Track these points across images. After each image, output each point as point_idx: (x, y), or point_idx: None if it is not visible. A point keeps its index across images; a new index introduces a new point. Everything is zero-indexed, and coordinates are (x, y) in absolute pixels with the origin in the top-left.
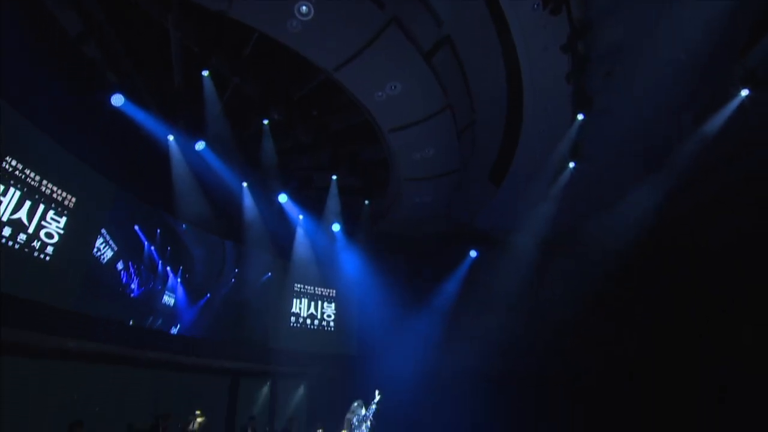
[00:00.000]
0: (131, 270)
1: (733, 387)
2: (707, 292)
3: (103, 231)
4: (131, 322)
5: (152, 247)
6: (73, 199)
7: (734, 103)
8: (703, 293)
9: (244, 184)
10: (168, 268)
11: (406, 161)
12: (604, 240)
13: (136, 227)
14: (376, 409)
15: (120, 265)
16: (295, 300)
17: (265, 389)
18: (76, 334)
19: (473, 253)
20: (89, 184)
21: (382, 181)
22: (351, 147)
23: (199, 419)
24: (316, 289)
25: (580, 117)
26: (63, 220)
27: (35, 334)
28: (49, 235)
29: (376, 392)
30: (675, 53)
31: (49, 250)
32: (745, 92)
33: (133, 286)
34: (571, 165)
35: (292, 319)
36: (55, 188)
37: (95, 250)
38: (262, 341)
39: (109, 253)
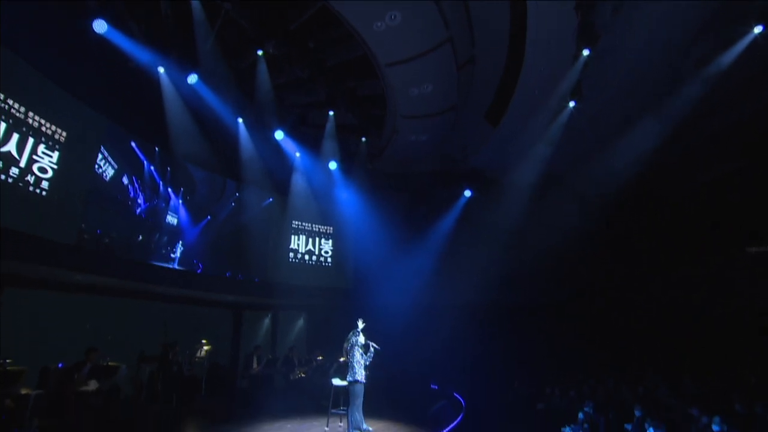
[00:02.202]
0: (136, 185)
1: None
2: (693, 230)
3: (102, 149)
4: (140, 238)
5: (152, 167)
6: (64, 134)
7: (745, 41)
8: (689, 231)
9: (240, 120)
10: (169, 189)
11: (404, 97)
12: (597, 180)
13: (133, 144)
14: (373, 351)
15: (125, 180)
16: (293, 236)
17: (267, 321)
18: (80, 268)
19: (467, 193)
20: (80, 117)
21: (379, 118)
22: (348, 83)
23: (205, 347)
24: (313, 225)
25: (585, 53)
26: (55, 154)
27: (41, 267)
28: (43, 170)
29: (359, 321)
30: None
31: (45, 185)
32: (758, 29)
33: (139, 201)
34: (571, 104)
35: (291, 255)
36: (42, 121)
37: (96, 167)
38: (262, 273)
39: (110, 171)
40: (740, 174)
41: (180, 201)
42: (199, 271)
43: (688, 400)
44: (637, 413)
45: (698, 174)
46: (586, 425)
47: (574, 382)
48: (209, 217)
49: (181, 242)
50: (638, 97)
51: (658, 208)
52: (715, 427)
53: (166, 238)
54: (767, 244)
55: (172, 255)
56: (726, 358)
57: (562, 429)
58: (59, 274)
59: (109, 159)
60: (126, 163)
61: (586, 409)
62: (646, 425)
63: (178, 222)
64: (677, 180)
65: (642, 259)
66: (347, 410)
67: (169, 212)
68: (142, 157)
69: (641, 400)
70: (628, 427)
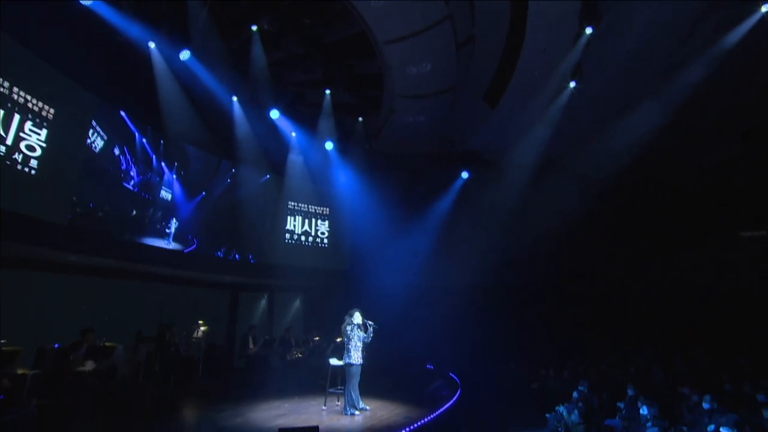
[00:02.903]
0: (128, 156)
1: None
2: (693, 213)
3: (93, 122)
4: (134, 213)
5: (144, 139)
6: (52, 111)
7: (752, 20)
8: (688, 214)
9: (234, 98)
10: (163, 164)
11: (402, 76)
12: (597, 162)
13: (123, 113)
14: (372, 329)
15: (117, 150)
16: (289, 217)
17: (263, 302)
18: (73, 249)
19: (465, 174)
20: (68, 94)
21: (376, 98)
22: (345, 61)
23: (202, 328)
24: (309, 207)
25: (588, 31)
26: (43, 132)
27: (32, 247)
28: (31, 148)
29: (356, 311)
30: None
31: (33, 163)
32: (765, 7)
33: (132, 173)
34: (572, 84)
35: (287, 236)
36: (29, 97)
37: (87, 140)
38: (258, 252)
39: (100, 142)
40: (742, 158)
41: (174, 176)
42: (194, 247)
43: (679, 380)
44: (630, 392)
45: (700, 157)
46: (580, 404)
47: (570, 364)
48: (204, 193)
49: (175, 218)
50: (640, 78)
51: (658, 191)
52: (705, 405)
53: (160, 213)
54: (765, 228)
55: (167, 230)
56: (719, 339)
57: (557, 408)
58: (52, 255)
59: (98, 130)
60: (116, 134)
61: (580, 388)
62: (639, 403)
63: (172, 197)
64: (678, 163)
65: (641, 243)
66: (344, 389)
67: (163, 187)
68: (133, 128)
69: (634, 380)
70: (621, 405)
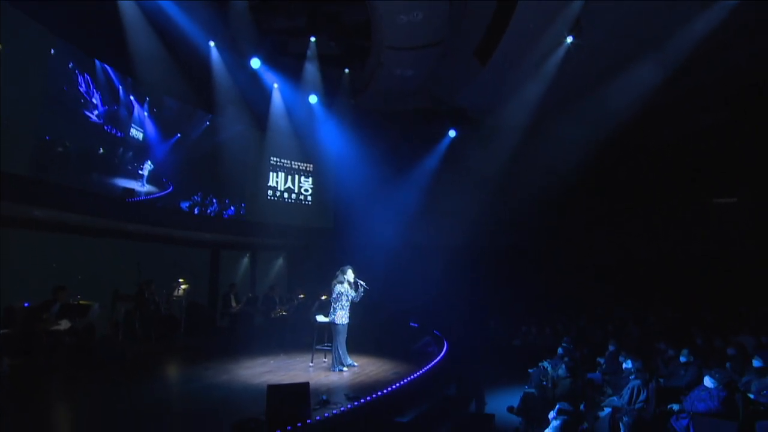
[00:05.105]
0: (88, 79)
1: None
2: (671, 178)
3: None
4: (101, 151)
5: (105, 65)
6: None
7: None
8: (667, 178)
9: (212, 44)
10: (132, 97)
11: (391, 25)
12: (583, 126)
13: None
14: (363, 289)
15: (71, 65)
16: (271, 174)
17: (246, 260)
18: (35, 203)
19: (452, 133)
20: (21, 30)
21: (364, 49)
22: (331, 7)
23: (183, 286)
24: (293, 163)
25: None
26: None
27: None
28: None
29: (348, 268)
30: None
31: None
32: None
33: (95, 101)
34: (569, 40)
35: (269, 192)
36: None
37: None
38: (238, 203)
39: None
40: (725, 125)
41: (146, 113)
42: (169, 190)
43: (653, 335)
44: (611, 348)
45: (683, 123)
46: (566, 358)
47: (549, 322)
48: (179, 135)
49: (150, 160)
50: (639, 32)
51: (640, 156)
52: (682, 359)
53: (131, 153)
54: (735, 195)
55: (140, 172)
56: (688, 299)
57: (540, 364)
58: (13, 209)
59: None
60: (69, 53)
61: (564, 344)
62: (621, 358)
63: (144, 137)
64: (660, 127)
65: (620, 206)
66: (331, 346)
67: (133, 125)
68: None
69: (614, 336)
70: (601, 360)
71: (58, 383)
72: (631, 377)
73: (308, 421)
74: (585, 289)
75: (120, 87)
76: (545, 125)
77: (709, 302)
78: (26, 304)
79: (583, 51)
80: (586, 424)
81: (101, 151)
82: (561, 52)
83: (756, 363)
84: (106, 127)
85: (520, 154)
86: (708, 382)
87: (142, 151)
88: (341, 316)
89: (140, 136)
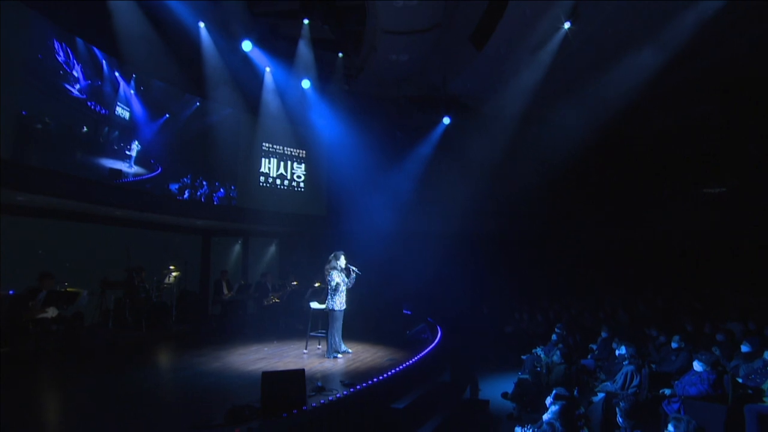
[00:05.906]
0: (67, 49)
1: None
2: (662, 168)
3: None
4: (84, 129)
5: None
6: None
7: None
8: (658, 169)
9: (202, 25)
10: (117, 73)
11: (386, 9)
12: (580, 113)
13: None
14: (355, 275)
15: (54, 44)
16: (263, 159)
17: (238, 246)
18: (17, 187)
19: (446, 120)
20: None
21: (358, 33)
22: None
23: (174, 273)
24: (285, 149)
25: None
26: None
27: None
28: None
29: (341, 254)
30: None
31: None
32: None
33: (76, 73)
34: (567, 25)
35: (261, 178)
36: None
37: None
38: (228, 187)
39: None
40: (716, 116)
41: (132, 91)
42: (158, 172)
43: (643, 322)
44: (603, 334)
45: (675, 113)
46: (561, 345)
47: (543, 308)
48: (167, 115)
49: (137, 140)
50: (637, 20)
51: (634, 146)
52: (674, 344)
53: (117, 133)
54: (725, 185)
55: (128, 152)
56: (678, 286)
57: (533, 350)
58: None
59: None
60: (45, 25)
61: (557, 330)
62: (615, 344)
63: (131, 116)
64: (654, 118)
65: (612, 196)
66: (326, 333)
67: (118, 103)
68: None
69: (606, 322)
70: (593, 346)
71: (46, 371)
72: (625, 363)
73: (304, 407)
74: (577, 276)
75: (104, 62)
76: (540, 113)
77: (697, 289)
78: (11, 292)
79: (580, 38)
80: (582, 409)
81: (85, 129)
82: (558, 38)
83: (744, 348)
84: (89, 103)
85: (514, 142)
86: (697, 366)
87: (128, 130)
88: (338, 302)
89: (126, 115)
